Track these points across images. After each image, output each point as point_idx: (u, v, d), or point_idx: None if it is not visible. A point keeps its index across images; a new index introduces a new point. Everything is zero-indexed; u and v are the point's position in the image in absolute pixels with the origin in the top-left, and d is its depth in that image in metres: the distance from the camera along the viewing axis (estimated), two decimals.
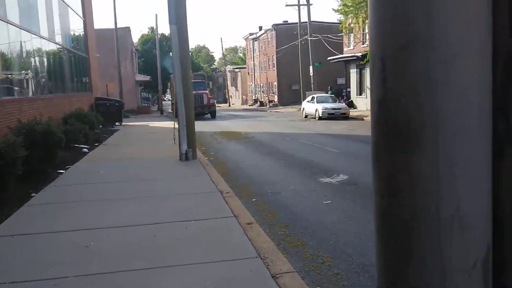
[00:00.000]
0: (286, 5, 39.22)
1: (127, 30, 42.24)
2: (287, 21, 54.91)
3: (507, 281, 0.59)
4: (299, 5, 38.80)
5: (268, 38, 57.06)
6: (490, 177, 0.56)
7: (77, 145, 12.54)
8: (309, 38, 36.31)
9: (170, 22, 10.16)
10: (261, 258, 4.26)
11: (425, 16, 0.50)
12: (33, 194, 7.22)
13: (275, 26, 53.80)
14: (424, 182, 0.52)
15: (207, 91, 32.79)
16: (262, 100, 58.14)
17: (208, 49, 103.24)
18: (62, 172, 9.17)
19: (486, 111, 0.53)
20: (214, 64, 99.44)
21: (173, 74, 11.31)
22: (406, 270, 0.54)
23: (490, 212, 0.56)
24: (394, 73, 0.53)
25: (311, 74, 37.03)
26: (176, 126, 10.93)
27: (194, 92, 31.33)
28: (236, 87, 75.81)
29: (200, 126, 23.16)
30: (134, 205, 6.44)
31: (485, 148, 0.54)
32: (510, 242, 0.58)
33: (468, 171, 0.52)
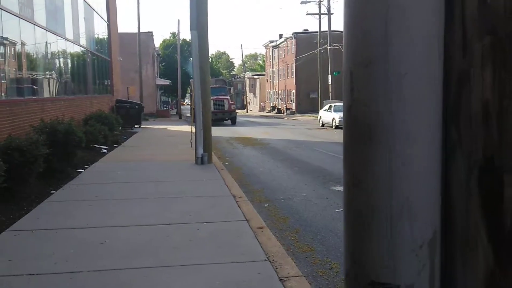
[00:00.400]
0: (307, 14, 39.42)
1: (149, 34, 42.97)
2: (307, 30, 55.08)
3: (455, 267, 0.69)
4: (320, 14, 38.94)
5: (288, 46, 57.31)
6: (438, 174, 0.66)
7: (96, 146, 12.85)
8: (329, 47, 36.39)
9: (191, 28, 10.40)
10: (270, 262, 4.35)
11: (383, 42, 0.61)
12: (52, 192, 7.46)
13: (295, 34, 54.02)
14: (380, 176, 0.63)
15: (228, 97, 32.47)
16: (279, 107, 58.30)
17: (228, 55, 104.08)
18: (81, 171, 9.43)
19: (435, 119, 0.64)
20: (233, 71, 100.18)
21: (192, 79, 11.50)
22: (365, 248, 0.65)
23: (437, 203, 0.66)
24: (359, 85, 0.64)
25: (330, 83, 37.07)
26: (193, 130, 11.13)
27: (214, 97, 27.82)
28: (254, 94, 76.20)
29: (217, 131, 23.37)
30: (149, 205, 6.61)
31: (433, 150, 0.64)
32: (455, 230, 0.68)
33: (416, 168, 0.62)
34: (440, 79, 0.65)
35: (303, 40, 51.64)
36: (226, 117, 30.40)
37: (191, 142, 12.54)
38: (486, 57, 0.65)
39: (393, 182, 0.62)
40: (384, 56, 0.61)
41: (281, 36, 63.19)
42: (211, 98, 33.07)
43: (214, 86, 33.56)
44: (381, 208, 0.62)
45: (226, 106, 30.44)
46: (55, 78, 13.87)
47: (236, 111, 33.66)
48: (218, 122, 29.21)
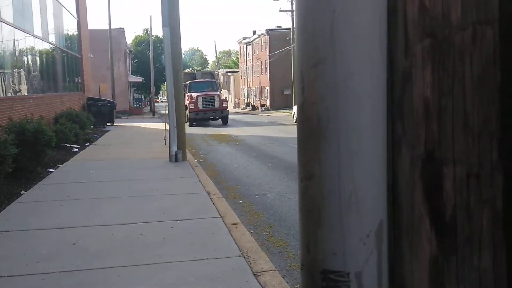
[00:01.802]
0: (280, 11, 39.57)
1: (121, 31, 42.27)
2: (280, 27, 55.26)
3: (402, 254, 0.74)
4: (292, 11, 39.12)
5: (261, 42, 57.36)
6: (383, 166, 0.70)
7: (67, 145, 12.60)
8: None
9: (163, 25, 10.31)
10: (244, 257, 4.39)
11: (329, 43, 0.65)
12: (22, 192, 7.30)
13: (269, 31, 54.11)
14: (329, 168, 0.67)
15: (218, 92, 28.57)
16: (254, 104, 58.37)
17: (202, 52, 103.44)
18: (52, 171, 9.25)
19: (380, 115, 0.68)
20: (207, 67, 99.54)
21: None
22: (317, 239, 0.69)
23: (383, 194, 0.70)
24: (309, 84, 0.68)
25: None
26: (167, 127, 11.05)
27: (202, 93, 26.69)
28: (228, 90, 75.99)
29: (191, 128, 23.33)
30: (122, 204, 6.55)
31: (379, 144, 0.69)
32: (402, 219, 0.73)
33: (363, 161, 0.67)
34: (384, 77, 0.69)
35: (276, 36, 51.79)
36: (217, 116, 26.68)
37: (164, 140, 12.45)
38: (426, 58, 0.70)
39: (342, 175, 0.66)
40: (331, 56, 0.64)
41: (254, 32, 63.16)
42: (199, 94, 26.43)
43: (201, 80, 30.09)
44: (331, 199, 0.66)
45: (217, 104, 26.63)
46: (24, 76, 13.51)
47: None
48: (206, 121, 27.19)
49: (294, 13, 0.72)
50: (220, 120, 26.87)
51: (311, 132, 0.67)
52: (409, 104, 0.72)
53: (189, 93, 26.63)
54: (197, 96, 26.54)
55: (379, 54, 0.67)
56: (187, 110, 24.79)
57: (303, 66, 0.68)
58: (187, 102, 24.92)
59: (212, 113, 26.57)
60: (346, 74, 0.64)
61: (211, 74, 33.98)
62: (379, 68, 0.67)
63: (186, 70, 35.02)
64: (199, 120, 26.53)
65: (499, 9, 0.67)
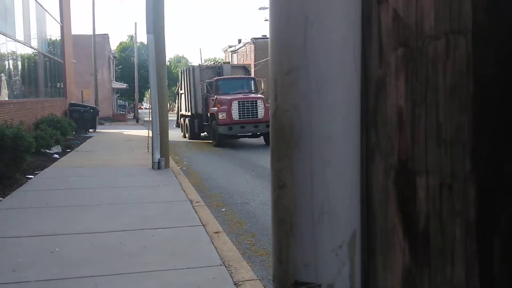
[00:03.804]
0: (265, 20, 39.78)
1: (105, 37, 41.96)
2: (265, 36, 55.52)
3: (375, 264, 0.73)
4: None
5: (246, 51, 57.59)
6: (357, 175, 0.70)
7: (48, 151, 12.39)
8: None
9: (148, 31, 10.26)
10: (225, 266, 4.35)
11: (303, 51, 0.64)
12: (0, 199, 7.13)
13: (254, 40, 54.36)
14: (302, 177, 0.65)
15: (261, 95, 17.94)
16: None
17: (187, 60, 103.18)
18: (31, 178, 9.07)
19: (354, 123, 0.68)
20: None
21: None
22: (289, 249, 0.67)
23: (357, 204, 0.70)
24: (282, 92, 0.67)
25: None
26: (150, 134, 10.96)
27: (239, 96, 16.63)
28: None
29: (175, 135, 23.13)
30: (103, 212, 6.44)
31: (352, 152, 0.68)
32: (375, 229, 0.72)
33: (336, 170, 0.66)
34: (358, 86, 0.68)
35: (261, 45, 52.02)
36: (260, 131, 17.07)
37: (148, 147, 12.34)
38: (399, 67, 0.69)
39: (315, 184, 0.65)
40: (304, 65, 0.64)
41: (240, 41, 63.38)
42: (234, 97, 16.73)
43: (235, 77, 19.27)
44: (304, 209, 0.65)
45: (261, 112, 16.86)
46: (5, 80, 13.27)
47: None
48: (242, 138, 18.15)
49: (268, 20, 0.71)
50: (262, 137, 17.63)
51: (284, 141, 0.66)
52: (382, 113, 0.71)
53: (216, 96, 17.38)
54: (231, 101, 16.73)
55: (352, 63, 0.66)
56: (213, 122, 17.23)
57: (277, 73, 0.67)
58: (213, 110, 17.12)
59: (253, 127, 16.86)
60: (319, 82, 0.64)
61: (245, 69, 21.57)
62: (352, 77, 0.67)
63: (207, 63, 25.57)
64: (232, 137, 17.38)
65: (472, 20, 0.67)
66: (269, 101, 0.72)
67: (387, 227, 0.71)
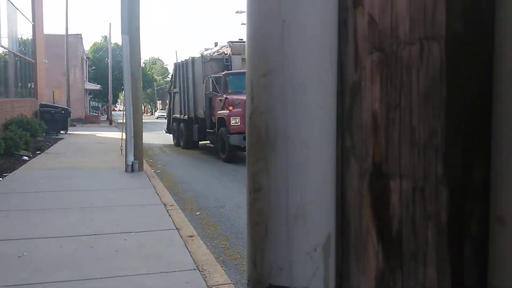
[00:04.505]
0: (242, 24, 39.88)
1: (78, 37, 41.20)
2: (242, 39, 55.58)
3: (349, 268, 0.73)
4: None
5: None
6: (332, 179, 0.70)
7: (17, 153, 12.04)
8: None
9: (123, 32, 10.13)
10: (199, 270, 4.31)
11: (279, 54, 0.64)
12: None
13: (231, 43, 54.28)
14: (277, 180, 0.65)
15: None
16: None
17: (163, 62, 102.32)
18: None
19: (329, 126, 0.68)
20: (168, 77, 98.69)
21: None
22: (264, 253, 0.67)
23: (332, 207, 0.70)
24: (258, 94, 0.66)
25: None
26: (124, 136, 10.80)
27: None
28: None
29: (150, 138, 22.83)
30: (73, 215, 6.30)
31: (328, 156, 0.68)
32: (350, 232, 0.73)
33: (311, 174, 0.66)
34: (334, 89, 0.69)
35: (238, 48, 51.94)
36: None
37: (121, 149, 12.15)
38: (375, 72, 0.70)
39: (290, 187, 0.64)
40: (280, 66, 0.63)
41: (216, 44, 63.14)
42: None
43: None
44: (279, 212, 0.65)
45: None
46: None
47: None
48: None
49: (246, 22, 0.71)
50: None
51: (260, 143, 0.66)
52: (358, 117, 0.72)
53: (226, 96, 13.83)
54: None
55: (329, 66, 0.66)
56: (221, 129, 13.61)
57: (253, 75, 0.66)
58: (223, 114, 13.45)
59: None
60: (295, 85, 0.63)
61: None
62: (328, 80, 0.67)
63: (207, 52, 21.11)
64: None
65: (445, 27, 0.68)
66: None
67: (361, 230, 0.71)
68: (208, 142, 15.45)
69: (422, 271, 0.66)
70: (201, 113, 15.51)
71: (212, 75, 14.70)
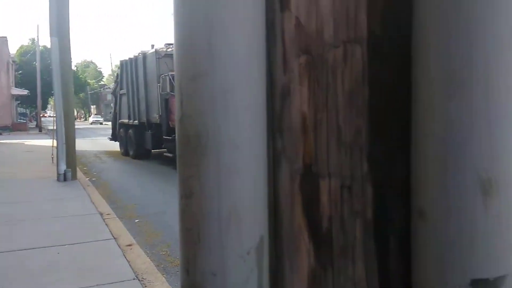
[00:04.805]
0: None
1: (3, 39, 38.71)
2: None
3: (283, 268, 0.74)
4: None
5: None
6: (264, 181, 0.70)
7: None
8: None
9: (51, 34, 9.65)
10: (139, 280, 4.19)
11: (208, 57, 0.63)
12: None
13: (168, 45, 53.45)
14: (209, 185, 0.64)
15: None
16: None
17: (96, 65, 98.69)
18: None
19: (260, 129, 0.68)
20: (102, 80, 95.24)
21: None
22: (196, 255, 0.66)
23: (264, 209, 0.70)
24: (188, 98, 0.65)
25: None
26: (55, 144, 10.27)
27: None
28: None
29: (84, 145, 21.85)
30: (1, 229, 5.88)
31: (258, 158, 0.68)
32: (283, 233, 0.73)
33: (243, 177, 0.66)
34: (263, 92, 0.69)
35: None
36: None
37: (52, 158, 11.55)
38: (303, 74, 0.71)
39: (222, 191, 0.64)
40: (209, 70, 0.63)
41: (153, 46, 61.96)
42: None
43: None
44: (211, 217, 0.64)
45: None
46: None
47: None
48: None
49: (173, 25, 0.69)
50: None
51: (190, 148, 0.65)
52: (288, 119, 0.73)
53: None
54: None
55: (257, 69, 0.67)
56: None
57: (182, 79, 0.65)
58: None
59: None
60: (224, 88, 0.63)
61: None
62: (258, 83, 0.67)
63: (165, 49, 18.84)
64: None
65: (367, 30, 0.71)
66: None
67: (293, 230, 0.72)
68: (165, 150, 13.49)
69: (352, 267, 0.68)
70: (155, 117, 13.79)
71: (169, 73, 12.72)
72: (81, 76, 64.76)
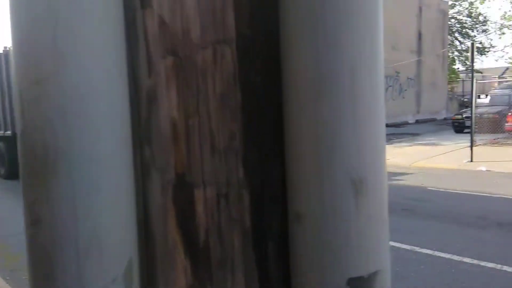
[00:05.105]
0: None
1: None
2: None
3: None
4: None
5: None
6: (131, 197, 0.63)
7: None
8: None
9: None
10: None
11: (52, 58, 0.55)
12: None
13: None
14: (61, 210, 0.55)
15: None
16: None
17: None
18: None
19: (122, 140, 0.61)
20: None
21: None
22: None
23: (132, 229, 0.63)
24: (31, 106, 0.55)
25: None
26: None
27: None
28: None
29: None
30: None
31: (123, 172, 0.61)
32: (155, 250, 0.67)
33: (104, 195, 0.58)
34: (125, 97, 0.62)
35: None
36: None
37: None
38: (170, 77, 0.66)
39: (79, 215, 0.55)
40: (56, 72, 0.54)
41: (5, 48, 55.60)
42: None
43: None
44: (66, 247, 0.55)
45: None
46: None
47: None
48: None
49: (10, 22, 0.58)
50: None
51: (37, 166, 0.55)
52: (156, 126, 0.67)
53: None
54: None
55: (117, 71, 0.60)
56: None
57: (23, 84, 0.55)
58: None
59: None
60: (75, 94, 0.55)
61: None
62: (118, 87, 0.60)
63: None
64: None
65: (235, 31, 0.68)
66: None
67: (167, 246, 0.67)
68: None
69: (231, 279, 0.65)
70: None
71: None
72: None
